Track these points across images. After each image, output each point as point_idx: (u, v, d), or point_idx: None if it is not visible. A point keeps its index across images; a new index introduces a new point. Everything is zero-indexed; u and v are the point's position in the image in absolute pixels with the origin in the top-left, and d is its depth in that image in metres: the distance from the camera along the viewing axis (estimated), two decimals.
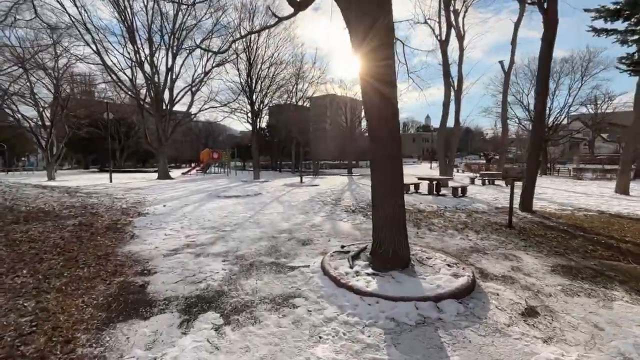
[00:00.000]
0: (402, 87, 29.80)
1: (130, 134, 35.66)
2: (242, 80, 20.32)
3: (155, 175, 22.66)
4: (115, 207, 8.98)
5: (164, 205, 9.64)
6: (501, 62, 20.97)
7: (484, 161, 48.13)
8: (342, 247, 5.01)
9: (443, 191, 13.46)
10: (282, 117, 34.38)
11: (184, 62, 21.99)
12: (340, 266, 4.04)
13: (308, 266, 4.37)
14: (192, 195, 12.09)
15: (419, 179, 13.85)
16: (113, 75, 19.97)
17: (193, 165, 34.49)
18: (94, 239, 5.68)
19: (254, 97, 20.00)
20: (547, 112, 31.86)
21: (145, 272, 4.20)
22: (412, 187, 13.69)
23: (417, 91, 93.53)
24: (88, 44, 18.20)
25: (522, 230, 6.71)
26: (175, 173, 30.85)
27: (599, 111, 40.53)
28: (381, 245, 4.08)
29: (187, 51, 21.81)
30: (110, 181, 18.17)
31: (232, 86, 23.26)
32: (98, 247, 5.21)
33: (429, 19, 16.06)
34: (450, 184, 14.74)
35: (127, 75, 21.59)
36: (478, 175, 18.39)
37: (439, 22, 15.75)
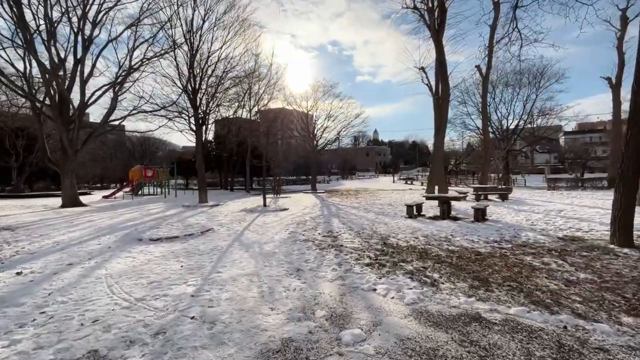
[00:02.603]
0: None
1: (34, 148, 27.91)
2: (182, 77, 15.82)
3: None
4: None
5: (19, 273, 5.02)
6: (478, 67, 19.53)
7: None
8: None
9: (452, 213, 10.54)
10: (233, 127, 29.92)
11: (101, 52, 16.81)
12: None
13: None
14: (93, 240, 7.40)
15: (427, 198, 10.77)
16: None
17: (119, 186, 28.02)
18: None
19: (198, 98, 15.63)
20: (506, 122, 32.26)
21: None
22: (414, 209, 10.56)
23: (366, 107, 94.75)
24: None
25: None
26: (95, 197, 24.43)
27: (535, 125, 42.45)
28: None
29: (108, 37, 16.71)
30: None
31: (172, 87, 18.52)
32: None
33: (420, 1, 13.53)
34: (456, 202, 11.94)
35: (13, 66, 15.79)
36: (471, 190, 16.14)
37: (432, 7, 13.29)
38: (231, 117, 30.21)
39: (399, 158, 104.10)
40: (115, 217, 11.44)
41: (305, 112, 27.53)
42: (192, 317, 3.39)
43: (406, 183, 38.08)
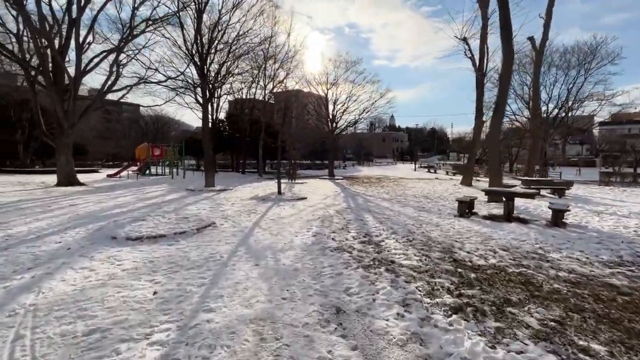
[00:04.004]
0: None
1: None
2: (187, 42, 13.69)
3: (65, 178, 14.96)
4: None
5: None
6: (531, 39, 16.68)
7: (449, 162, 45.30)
8: None
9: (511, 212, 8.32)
10: (247, 107, 27.98)
11: (99, 12, 14.84)
12: None
13: None
14: (56, 235, 5.63)
15: (488, 192, 8.58)
16: None
17: (126, 164, 26.61)
18: None
19: (206, 65, 13.55)
20: (547, 108, 29.05)
21: None
22: (459, 205, 8.40)
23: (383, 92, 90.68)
24: None
25: None
26: (101, 175, 23.16)
27: (579, 112, 38.63)
28: None
29: None
30: None
31: (179, 59, 16.64)
32: None
33: None
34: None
35: (3, 26, 14.07)
36: (519, 182, 13.74)
37: None
38: (245, 98, 28.29)
39: (417, 145, 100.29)
40: (104, 201, 9.74)
41: (324, 92, 25.11)
42: None
43: (429, 171, 35.53)
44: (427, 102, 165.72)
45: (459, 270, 4.18)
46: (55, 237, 5.41)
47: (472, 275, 4.01)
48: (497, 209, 9.15)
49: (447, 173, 32.79)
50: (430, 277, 3.90)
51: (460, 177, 26.50)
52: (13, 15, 14.79)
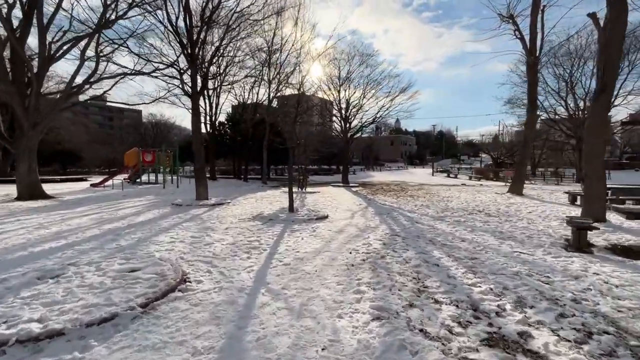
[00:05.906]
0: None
1: None
2: (172, 14, 10.77)
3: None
4: None
5: None
6: (593, 15, 13.69)
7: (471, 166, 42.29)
8: None
9: (628, 239, 5.38)
10: (249, 107, 25.32)
11: None
12: None
13: None
14: None
15: (626, 213, 5.62)
16: None
17: (112, 172, 23.87)
18: None
19: (197, 47, 10.63)
20: (583, 103, 25.98)
21: None
22: (576, 234, 5.44)
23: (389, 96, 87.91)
24: None
25: None
26: (84, 184, 20.45)
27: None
28: None
29: None
30: None
31: (167, 39, 13.61)
32: None
33: None
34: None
35: None
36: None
37: None
38: (247, 102, 25.70)
39: (426, 149, 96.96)
40: (46, 226, 6.89)
41: (337, 89, 22.30)
42: None
43: (448, 176, 32.48)
44: (432, 106, 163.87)
45: None
46: None
47: None
48: (614, 235, 6.19)
49: (470, 178, 29.75)
50: None
51: (492, 183, 23.52)
52: None
